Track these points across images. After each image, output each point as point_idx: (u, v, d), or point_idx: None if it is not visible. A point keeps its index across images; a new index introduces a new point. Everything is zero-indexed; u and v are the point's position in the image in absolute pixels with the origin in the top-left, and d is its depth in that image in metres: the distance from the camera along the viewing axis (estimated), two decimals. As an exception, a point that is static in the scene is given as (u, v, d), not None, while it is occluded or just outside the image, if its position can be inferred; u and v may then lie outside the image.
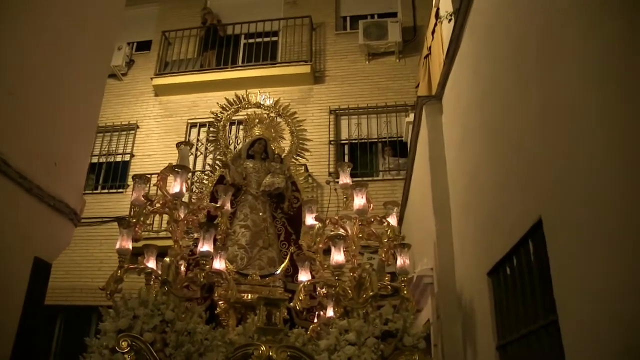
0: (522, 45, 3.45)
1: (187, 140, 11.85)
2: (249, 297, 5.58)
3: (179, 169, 5.18)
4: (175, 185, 5.10)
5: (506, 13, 3.89)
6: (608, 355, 2.28)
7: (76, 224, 5.26)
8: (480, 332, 4.35)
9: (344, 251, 4.84)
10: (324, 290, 5.36)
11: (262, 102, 7.09)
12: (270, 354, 4.09)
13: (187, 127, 12.17)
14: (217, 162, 6.83)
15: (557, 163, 2.84)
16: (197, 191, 6.97)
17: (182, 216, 5.15)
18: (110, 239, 10.51)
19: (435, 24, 7.77)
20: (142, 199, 5.16)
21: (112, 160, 12.15)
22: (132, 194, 5.23)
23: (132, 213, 5.32)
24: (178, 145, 5.65)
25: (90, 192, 11.32)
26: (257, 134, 6.88)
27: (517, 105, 3.55)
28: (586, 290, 2.48)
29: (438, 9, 7.26)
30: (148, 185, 5.36)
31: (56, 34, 4.83)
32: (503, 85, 3.90)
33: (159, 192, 5.40)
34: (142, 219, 5.16)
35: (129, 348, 3.91)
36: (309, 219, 5.50)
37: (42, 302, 4.79)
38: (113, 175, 11.94)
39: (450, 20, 6.16)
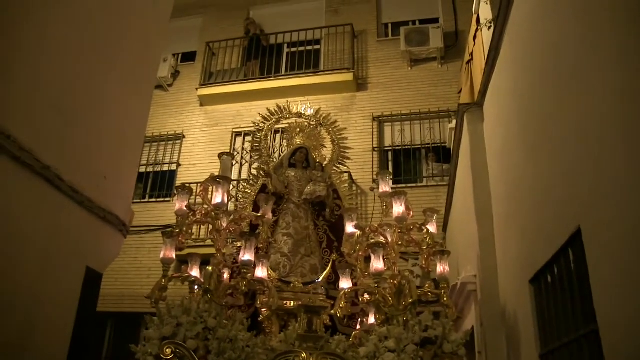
0: (559, 57, 3.44)
1: (231, 149, 12.08)
2: (291, 304, 5.64)
3: (221, 179, 5.31)
4: (217, 196, 5.23)
5: (542, 24, 3.88)
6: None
7: (125, 235, 5.44)
8: (524, 339, 4.32)
9: (384, 259, 4.88)
10: (366, 296, 5.39)
11: (302, 112, 7.18)
12: (311, 360, 4.16)
13: (232, 136, 12.34)
14: (260, 171, 6.94)
15: (593, 174, 2.83)
16: (240, 199, 7.08)
17: (224, 226, 5.26)
18: (157, 247, 10.65)
19: (477, 30, 7.74)
20: (185, 209, 5.29)
21: (159, 169, 12.41)
22: (176, 204, 5.37)
23: (176, 223, 5.47)
24: (220, 155, 5.78)
25: (138, 201, 11.57)
26: (298, 143, 6.96)
27: (554, 116, 3.54)
28: (626, 300, 2.47)
29: (478, 15, 7.22)
30: (191, 196, 5.50)
31: (101, 47, 4.99)
32: (541, 95, 3.88)
33: (202, 202, 5.53)
34: (185, 228, 5.29)
35: (172, 355, 4.02)
36: (349, 227, 5.57)
37: (94, 310, 4.96)
38: (160, 184, 12.19)
39: (489, 27, 6.14)
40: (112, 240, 5.20)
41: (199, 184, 5.56)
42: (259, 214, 5.77)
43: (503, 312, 4.95)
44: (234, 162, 11.90)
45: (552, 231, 3.52)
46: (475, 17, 7.67)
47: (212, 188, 5.40)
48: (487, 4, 6.39)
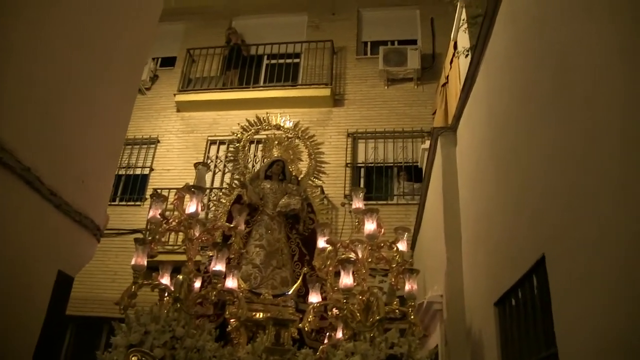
0: (533, 91, 3.61)
1: (206, 156, 12.11)
2: (260, 316, 5.70)
3: (195, 189, 5.36)
4: (191, 205, 5.28)
5: (517, 60, 4.06)
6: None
7: (99, 239, 5.45)
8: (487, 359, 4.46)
9: (353, 274, 4.98)
10: (335, 311, 5.47)
11: (282, 124, 7.27)
12: (277, 374, 4.25)
13: (207, 144, 12.38)
14: (235, 181, 7.01)
15: (561, 206, 2.99)
16: (213, 209, 7.13)
17: (197, 235, 5.31)
18: (125, 251, 10.67)
19: (454, 55, 7.95)
20: (159, 216, 5.33)
21: (131, 173, 12.36)
22: (149, 211, 5.40)
23: (148, 230, 5.49)
24: (196, 165, 5.84)
25: (109, 203, 11.50)
26: (275, 155, 7.07)
27: (525, 147, 3.70)
28: (585, 326, 2.62)
29: (456, 42, 7.43)
30: (165, 203, 5.54)
31: (89, 50, 5.02)
32: (514, 126, 4.05)
33: (175, 210, 5.57)
34: (157, 236, 5.32)
35: (138, 363, 4.03)
36: (321, 242, 5.66)
37: (64, 314, 4.97)
38: (132, 188, 12.13)
39: (467, 55, 6.33)
40: (86, 244, 5.21)
41: (175, 193, 5.60)
42: (231, 225, 5.84)
43: (468, 332, 5.09)
44: (208, 171, 11.93)
45: (518, 256, 3.67)
46: (452, 42, 7.89)
47: (187, 197, 5.46)
48: (465, 32, 6.59)
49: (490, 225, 4.55)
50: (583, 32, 2.82)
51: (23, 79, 4.10)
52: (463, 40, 6.83)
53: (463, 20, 6.71)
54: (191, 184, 5.66)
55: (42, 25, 4.35)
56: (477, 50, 5.20)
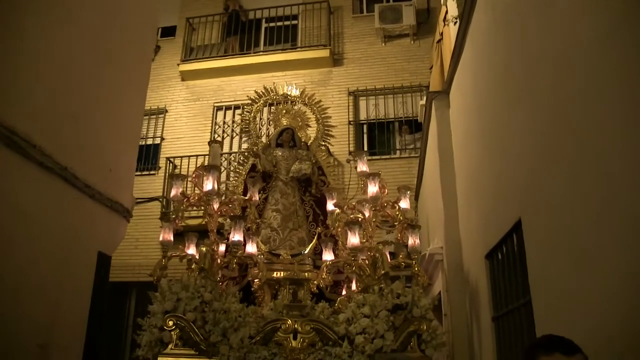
0: (512, 65, 4.04)
1: (213, 122, 12.59)
2: (281, 274, 6.23)
3: (211, 168, 5.88)
4: (207, 183, 5.79)
5: (496, 38, 4.51)
6: (571, 334, 2.94)
7: (129, 220, 6.06)
8: (481, 305, 5.06)
9: (361, 232, 5.52)
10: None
11: (288, 93, 7.71)
12: (296, 326, 4.84)
13: (213, 110, 12.80)
14: (250, 152, 7.50)
15: (532, 174, 3.52)
16: (232, 180, 7.63)
17: (215, 208, 5.86)
18: (144, 219, 11.26)
19: (446, 12, 8.27)
20: (180, 195, 5.89)
21: (143, 143, 12.78)
22: (164, 181, 5.94)
23: (172, 208, 6.02)
24: (210, 143, 6.33)
25: (126, 174, 12.03)
26: (284, 123, 7.52)
27: (506, 117, 4.20)
28: (553, 279, 3.18)
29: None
30: (184, 182, 6.05)
31: (104, 52, 5.56)
32: (495, 99, 4.54)
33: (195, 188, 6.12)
34: (180, 214, 5.90)
35: (174, 326, 4.65)
36: (330, 205, 6.22)
37: (107, 288, 5.63)
38: (145, 157, 12.54)
39: (455, 23, 6.72)
40: (119, 225, 5.84)
41: (192, 172, 6.07)
42: (246, 197, 6.38)
43: (466, 280, 5.67)
44: (216, 136, 12.44)
45: (502, 217, 4.23)
46: (444, 5, 8.22)
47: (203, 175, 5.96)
48: (453, 0, 6.95)
49: (479, 186, 5.09)
50: (554, 19, 3.23)
51: (54, 89, 4.66)
52: (452, 7, 7.20)
53: (451, -12, 7.06)
54: (202, 153, 6.16)
55: (71, 41, 4.89)
56: (463, 22, 5.62)
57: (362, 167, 6.21)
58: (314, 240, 6.79)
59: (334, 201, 6.30)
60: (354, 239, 5.40)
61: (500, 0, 4.40)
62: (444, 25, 8.34)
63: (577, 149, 2.86)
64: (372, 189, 5.78)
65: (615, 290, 2.42)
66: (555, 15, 3.16)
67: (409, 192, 6.18)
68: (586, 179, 2.73)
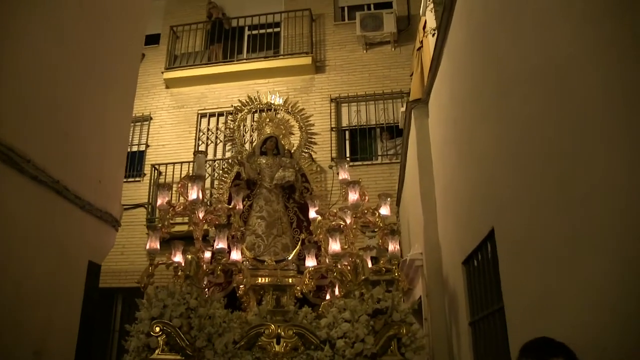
0: (483, 82, 4.24)
1: (197, 129, 12.70)
2: (266, 280, 6.36)
3: (196, 178, 6.02)
4: (192, 193, 5.93)
5: (471, 54, 4.70)
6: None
7: (117, 229, 6.19)
8: (460, 310, 5.24)
9: (342, 239, 5.67)
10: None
11: (272, 102, 7.87)
12: (279, 331, 4.99)
13: (197, 118, 12.90)
14: (234, 160, 7.63)
15: (504, 185, 3.70)
16: (217, 188, 7.76)
17: (201, 217, 6.00)
18: (130, 225, 11.33)
19: (425, 22, 8.46)
20: (166, 204, 6.02)
21: (128, 150, 12.86)
22: (149, 188, 6.08)
23: (157, 215, 6.15)
24: (195, 153, 6.48)
25: (111, 181, 12.09)
26: (268, 132, 7.67)
27: (479, 130, 4.38)
28: (523, 288, 3.36)
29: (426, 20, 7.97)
30: (170, 191, 6.20)
31: (94, 69, 5.73)
32: (470, 111, 4.73)
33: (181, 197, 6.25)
34: (166, 222, 6.03)
35: (161, 332, 4.79)
36: (312, 213, 6.37)
37: (96, 295, 5.75)
38: (130, 164, 12.57)
39: (433, 35, 6.91)
40: (108, 235, 5.98)
41: (179, 182, 6.21)
42: (230, 206, 6.52)
43: (445, 285, 5.84)
44: (200, 143, 12.57)
45: (477, 225, 4.40)
46: (422, 16, 8.42)
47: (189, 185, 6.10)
48: (432, 12, 7.14)
49: (456, 194, 5.27)
50: (522, 34, 3.40)
51: (47, 105, 4.80)
52: (431, 19, 7.39)
53: (429, 1, 7.25)
54: (186, 160, 6.30)
55: (58, 62, 5.03)
56: (440, 36, 5.80)
57: (344, 174, 6.39)
58: (298, 246, 6.90)
59: (316, 208, 6.45)
60: (335, 246, 5.55)
61: (474, 16, 4.58)
62: (424, 34, 8.53)
63: (546, 161, 3.00)
64: (353, 196, 5.95)
65: (584, 297, 2.55)
66: (524, 31, 3.33)
67: (389, 199, 6.32)
68: (555, 190, 2.87)
